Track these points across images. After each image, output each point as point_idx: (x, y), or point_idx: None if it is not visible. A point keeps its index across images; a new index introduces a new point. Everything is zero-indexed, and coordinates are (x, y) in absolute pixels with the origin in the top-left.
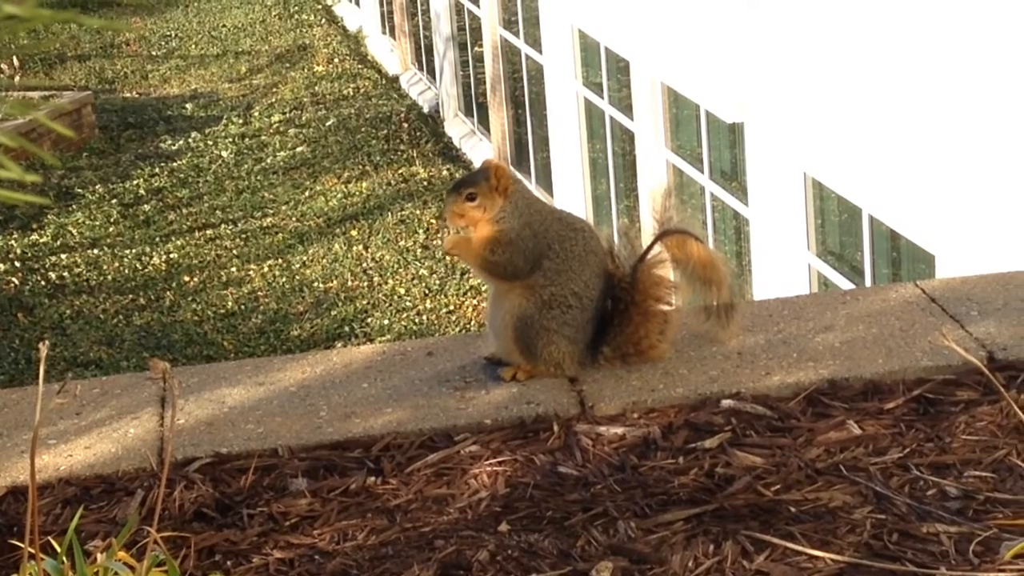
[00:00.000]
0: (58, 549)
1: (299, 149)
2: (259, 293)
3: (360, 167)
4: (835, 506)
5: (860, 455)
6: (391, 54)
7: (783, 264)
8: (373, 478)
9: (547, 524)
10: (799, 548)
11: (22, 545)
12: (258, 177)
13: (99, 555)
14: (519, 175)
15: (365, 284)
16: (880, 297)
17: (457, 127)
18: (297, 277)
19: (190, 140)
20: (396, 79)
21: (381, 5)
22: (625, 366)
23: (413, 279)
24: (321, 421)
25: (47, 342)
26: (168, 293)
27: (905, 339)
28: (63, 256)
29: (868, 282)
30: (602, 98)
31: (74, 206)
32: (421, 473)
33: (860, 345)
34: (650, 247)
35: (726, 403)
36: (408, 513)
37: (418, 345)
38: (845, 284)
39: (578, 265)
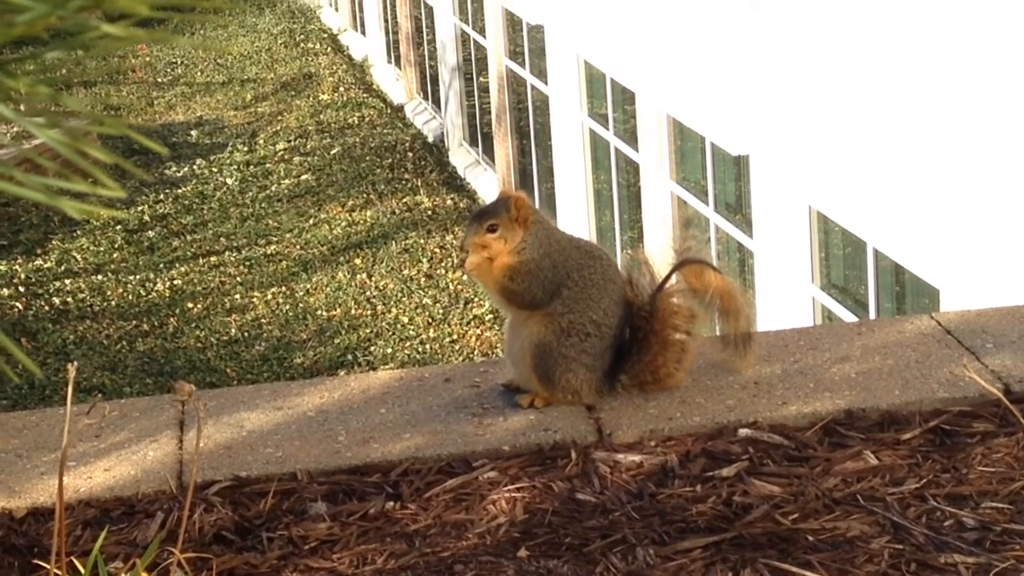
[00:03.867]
0: (82, 570)
1: (304, 177)
2: (262, 320)
3: (364, 196)
4: (853, 536)
5: (877, 485)
6: (396, 83)
7: (787, 297)
8: (392, 503)
9: (566, 550)
10: None
11: (47, 566)
12: (262, 205)
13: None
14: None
15: (369, 313)
16: (896, 329)
17: (462, 157)
18: (301, 305)
19: (195, 167)
20: (401, 108)
21: (387, 34)
22: (642, 394)
23: (416, 308)
24: (340, 446)
25: (75, 364)
26: (172, 319)
27: (921, 370)
28: (67, 281)
29: (872, 315)
30: (607, 129)
31: (78, 231)
32: (440, 498)
33: (876, 376)
34: (668, 276)
35: (743, 432)
36: (427, 538)
37: (436, 371)
38: (849, 317)
39: (597, 293)
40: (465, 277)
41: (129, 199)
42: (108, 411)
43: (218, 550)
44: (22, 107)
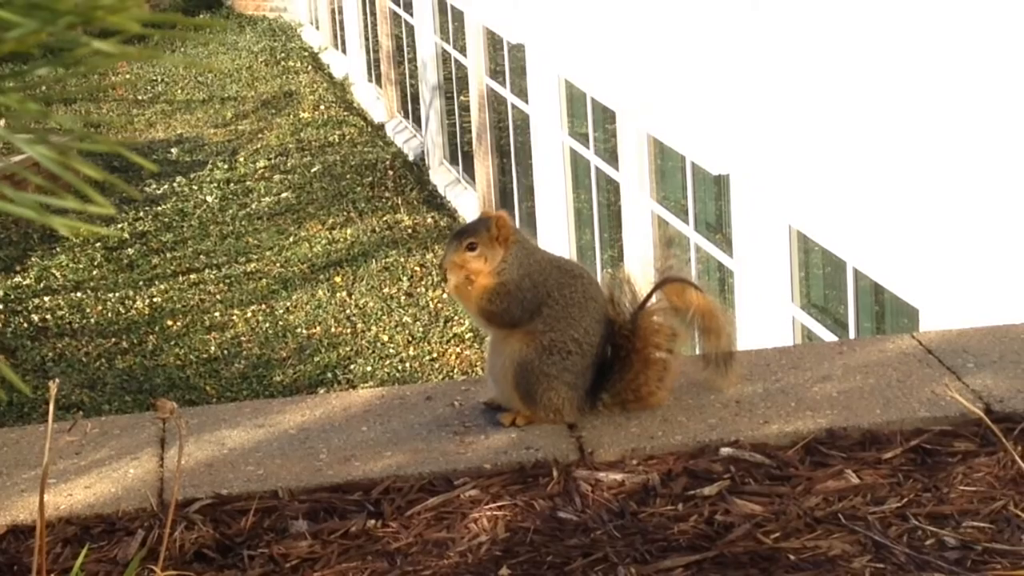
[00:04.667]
0: None
1: (284, 195)
2: (242, 338)
3: (345, 214)
4: (834, 554)
5: (859, 504)
6: (377, 102)
7: (767, 316)
8: (373, 521)
9: (547, 569)
10: None
11: None
12: (243, 222)
13: None
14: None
15: (348, 331)
16: (877, 348)
17: (442, 175)
18: (280, 323)
19: (175, 185)
20: (382, 127)
21: (368, 53)
22: (624, 413)
23: (396, 326)
24: (321, 464)
25: (56, 381)
26: (151, 337)
27: (902, 390)
28: (46, 299)
29: (852, 335)
30: (588, 148)
31: (57, 248)
32: (421, 517)
33: (858, 395)
34: (650, 294)
35: (725, 451)
36: (408, 556)
37: (417, 390)
38: (829, 337)
39: (578, 312)
40: (445, 296)
41: (110, 216)
42: (89, 428)
43: (199, 568)
44: (3, 123)
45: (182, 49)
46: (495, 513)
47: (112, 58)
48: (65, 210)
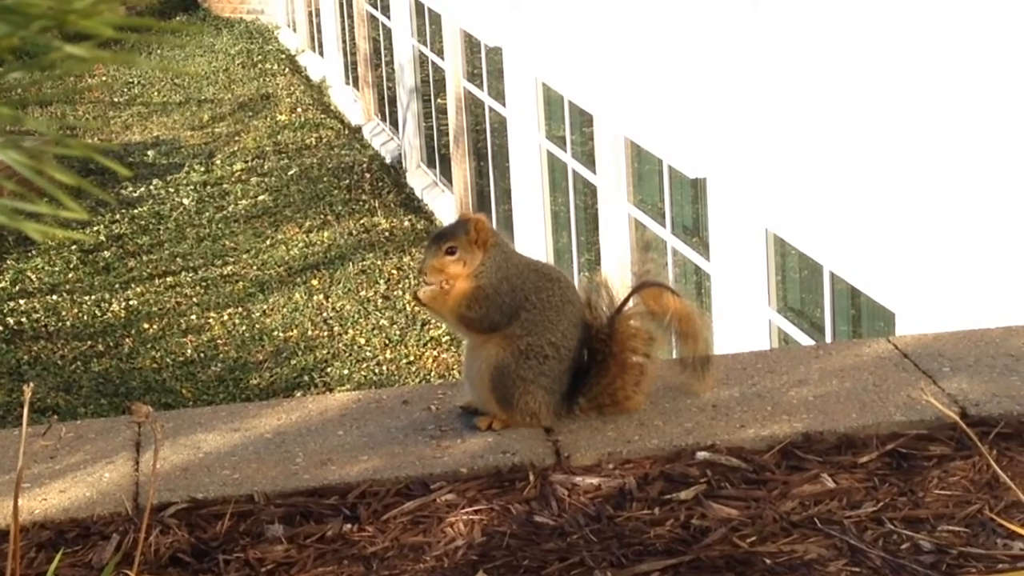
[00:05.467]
0: None
1: (261, 198)
2: (219, 341)
3: (322, 217)
4: (810, 559)
5: (835, 508)
6: (354, 104)
7: (744, 320)
8: (349, 525)
9: (524, 573)
10: None
11: None
12: (219, 225)
13: None
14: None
15: (325, 334)
16: (853, 352)
17: (419, 178)
18: (257, 326)
19: (151, 187)
20: (359, 129)
21: (345, 56)
22: (601, 417)
23: (373, 329)
24: (297, 468)
25: (31, 384)
26: (127, 340)
27: (879, 394)
28: (21, 301)
29: (828, 339)
30: (565, 151)
31: (33, 251)
32: (397, 521)
33: (834, 399)
34: (627, 299)
35: (701, 455)
36: (385, 560)
37: (393, 393)
38: (806, 340)
39: (555, 315)
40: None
41: (85, 221)
42: (64, 432)
43: (174, 572)
44: None
45: (158, 52)
46: (471, 517)
47: (86, 62)
48: (38, 215)
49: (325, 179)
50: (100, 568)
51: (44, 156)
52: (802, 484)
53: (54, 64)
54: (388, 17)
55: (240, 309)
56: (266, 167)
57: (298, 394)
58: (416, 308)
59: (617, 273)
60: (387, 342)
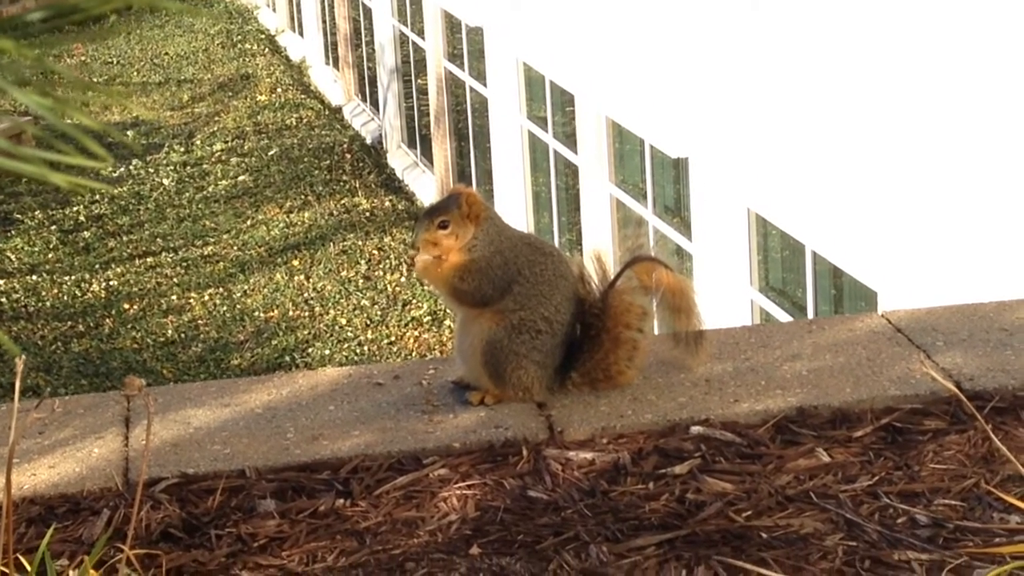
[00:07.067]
0: (28, 567)
1: (241, 178)
2: (199, 322)
3: (302, 197)
4: (806, 533)
5: (830, 482)
6: (335, 84)
7: (726, 299)
8: (342, 500)
9: (518, 548)
10: (772, 574)
11: None
12: (199, 205)
13: (70, 572)
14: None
15: (306, 314)
16: (847, 327)
17: (400, 159)
18: (238, 306)
19: (131, 167)
20: (339, 110)
21: (325, 35)
22: (593, 392)
23: (355, 309)
24: (288, 443)
25: (23, 357)
26: (107, 320)
27: (872, 368)
28: (1, 281)
29: (811, 318)
30: (546, 131)
31: (13, 231)
32: (390, 496)
33: (828, 374)
34: (620, 273)
35: (695, 429)
36: (378, 536)
37: (385, 368)
38: (787, 320)
39: (548, 290)
40: (404, 279)
41: (63, 199)
42: (55, 407)
43: (166, 547)
44: None
45: (138, 31)
46: (464, 492)
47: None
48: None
49: (306, 159)
50: (90, 543)
51: (68, 102)
52: (797, 458)
53: (75, 8)
54: None
55: (221, 289)
56: (246, 147)
57: (279, 374)
58: (396, 288)
59: (610, 248)
60: (368, 322)
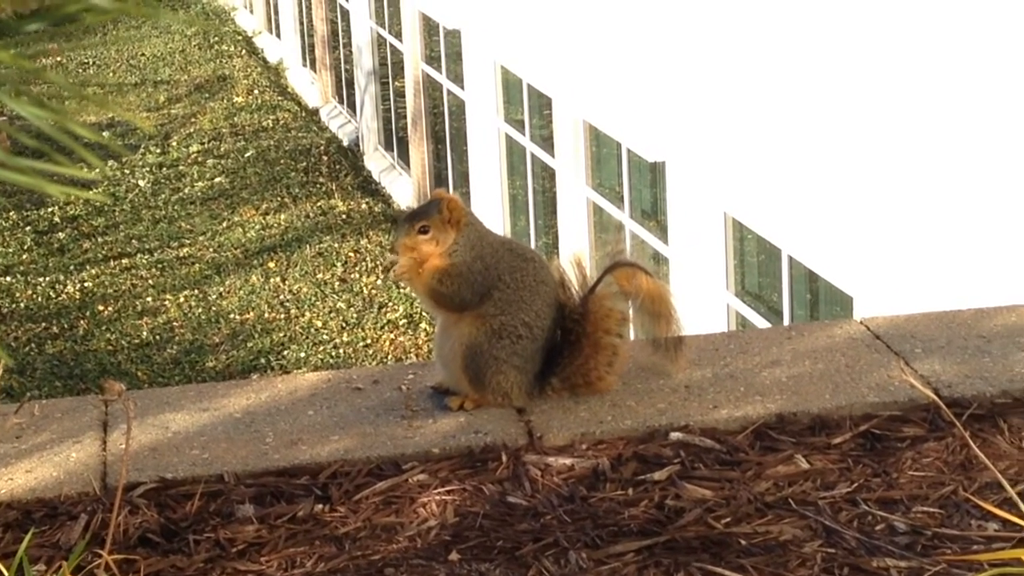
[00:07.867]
0: (6, 573)
1: (217, 180)
2: (174, 324)
3: (279, 199)
4: (785, 539)
5: (809, 489)
6: (312, 86)
7: (702, 304)
8: (321, 505)
9: (498, 554)
10: None
11: None
12: (175, 207)
13: None
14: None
15: (282, 316)
16: (825, 333)
17: (377, 161)
18: (213, 308)
19: (107, 169)
20: (316, 112)
21: (302, 37)
22: (573, 397)
23: (330, 312)
24: (267, 447)
25: (8, 355)
26: (82, 322)
27: (851, 375)
28: None
29: (786, 323)
30: (523, 135)
31: None
32: (369, 501)
33: (807, 380)
34: (600, 279)
35: (674, 436)
36: (357, 541)
37: (364, 373)
38: (763, 324)
39: (529, 295)
40: (380, 282)
41: (38, 200)
42: (34, 411)
43: (144, 553)
44: None
45: (113, 32)
46: (444, 498)
47: (107, 13)
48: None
49: (282, 161)
50: (68, 548)
51: (65, 112)
52: (776, 465)
53: (72, 16)
54: None
55: (196, 291)
56: (223, 149)
57: (254, 377)
58: (372, 291)
59: (590, 254)
60: (344, 325)
